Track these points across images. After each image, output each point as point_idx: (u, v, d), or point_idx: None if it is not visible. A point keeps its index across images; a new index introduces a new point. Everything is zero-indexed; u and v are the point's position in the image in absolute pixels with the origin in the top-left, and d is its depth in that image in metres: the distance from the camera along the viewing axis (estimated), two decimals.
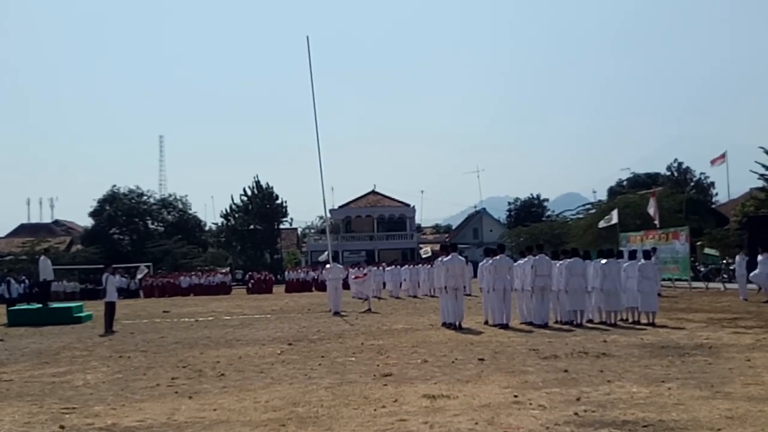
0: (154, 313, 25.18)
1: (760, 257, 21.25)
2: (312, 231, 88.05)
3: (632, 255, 16.30)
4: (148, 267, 48.72)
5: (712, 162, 39.73)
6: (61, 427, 6.82)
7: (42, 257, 22.37)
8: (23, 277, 40.31)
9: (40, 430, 6.73)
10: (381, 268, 33.22)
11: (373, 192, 73.29)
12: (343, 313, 20.56)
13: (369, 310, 21.63)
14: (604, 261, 15.44)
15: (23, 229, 75.48)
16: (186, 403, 7.78)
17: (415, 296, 29.57)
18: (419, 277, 30.12)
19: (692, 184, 65.17)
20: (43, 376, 10.29)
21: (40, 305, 21.93)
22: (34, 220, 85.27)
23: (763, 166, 43.13)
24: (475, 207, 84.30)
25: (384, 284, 31.85)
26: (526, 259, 15.89)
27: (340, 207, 70.52)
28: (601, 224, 35.24)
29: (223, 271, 53.33)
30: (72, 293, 42.04)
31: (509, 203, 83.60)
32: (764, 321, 14.91)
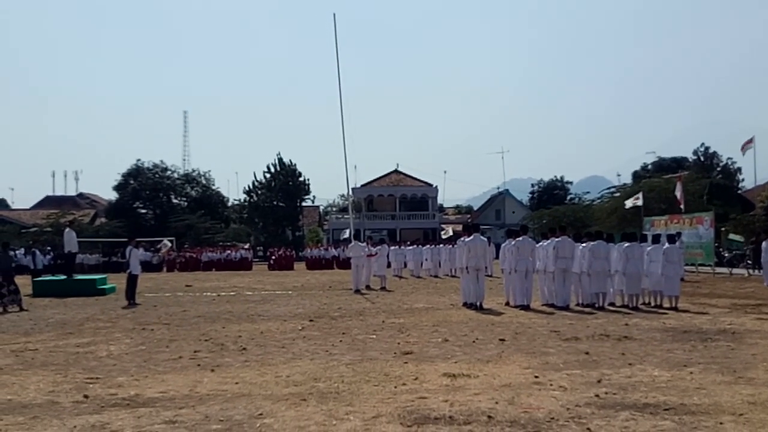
0: (176, 287, 25.44)
1: None
2: (334, 209, 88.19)
3: (656, 239, 16.14)
4: (171, 241, 49.12)
5: (742, 147, 39.15)
6: (85, 396, 6.91)
7: (67, 229, 22.61)
8: (48, 249, 40.84)
9: (64, 399, 6.83)
10: (402, 247, 33.30)
11: (396, 171, 73.08)
12: (364, 292, 20.64)
13: (383, 287, 22.05)
14: (626, 244, 15.31)
15: (48, 202, 76.28)
16: (208, 376, 7.86)
17: (436, 276, 29.61)
18: (440, 257, 30.20)
19: (719, 169, 64.34)
20: (67, 347, 10.43)
21: (65, 277, 22.20)
22: (59, 192, 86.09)
23: None
24: (498, 188, 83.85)
25: (405, 264, 31.95)
26: (548, 240, 15.82)
27: (362, 186, 70.44)
28: (628, 203, 35.23)
29: (245, 247, 53.66)
30: (95, 266, 42.55)
31: (532, 185, 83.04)
32: None
